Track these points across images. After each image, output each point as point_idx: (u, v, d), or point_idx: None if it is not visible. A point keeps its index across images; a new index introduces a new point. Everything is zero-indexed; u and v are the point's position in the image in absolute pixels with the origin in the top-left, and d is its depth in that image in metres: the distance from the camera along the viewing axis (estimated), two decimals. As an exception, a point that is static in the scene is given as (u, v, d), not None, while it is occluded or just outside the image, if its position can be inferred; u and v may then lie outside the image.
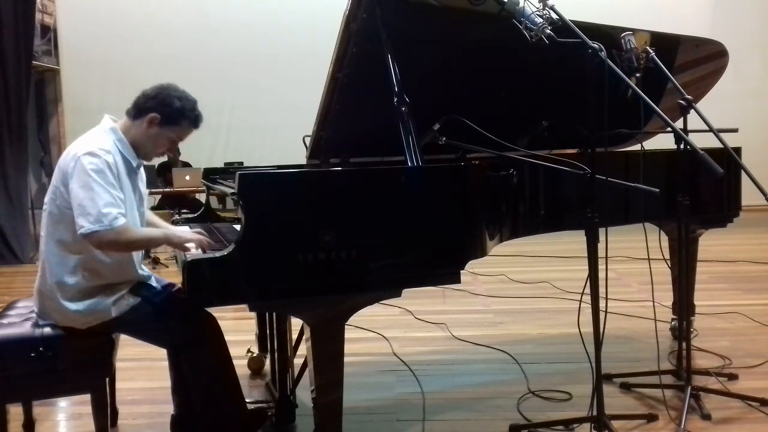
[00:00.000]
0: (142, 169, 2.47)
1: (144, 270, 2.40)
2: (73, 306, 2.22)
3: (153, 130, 2.31)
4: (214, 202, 3.14)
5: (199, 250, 2.21)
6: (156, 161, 8.66)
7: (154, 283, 2.42)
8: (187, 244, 2.25)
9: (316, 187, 2.14)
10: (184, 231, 2.49)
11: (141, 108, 2.32)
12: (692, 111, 2.58)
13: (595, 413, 2.41)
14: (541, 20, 2.19)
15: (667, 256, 3.21)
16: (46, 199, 2.28)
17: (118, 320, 2.26)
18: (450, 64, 2.77)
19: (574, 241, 2.84)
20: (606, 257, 2.33)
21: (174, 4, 9.61)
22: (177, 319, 2.27)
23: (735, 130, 2.79)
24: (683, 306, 2.97)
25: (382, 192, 2.16)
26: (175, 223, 3.05)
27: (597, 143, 2.29)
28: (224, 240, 2.45)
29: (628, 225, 2.96)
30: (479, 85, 2.88)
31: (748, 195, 3.02)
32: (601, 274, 2.34)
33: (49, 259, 2.25)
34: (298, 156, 3.15)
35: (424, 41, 2.59)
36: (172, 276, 2.55)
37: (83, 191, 2.12)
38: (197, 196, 7.88)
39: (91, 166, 2.14)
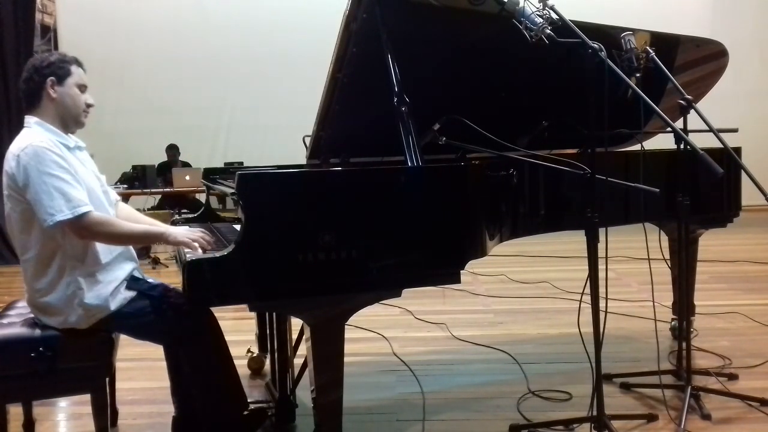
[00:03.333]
0: (87, 155, 2.42)
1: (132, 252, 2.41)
2: (73, 305, 2.21)
3: (59, 92, 2.28)
4: (214, 202, 3.13)
5: (199, 250, 2.20)
6: (156, 161, 8.67)
7: (150, 279, 2.42)
8: (185, 241, 2.21)
9: (316, 187, 2.14)
10: (183, 229, 2.48)
11: (32, 91, 2.29)
12: (692, 111, 2.58)
13: (595, 413, 2.41)
14: (541, 20, 2.19)
15: (667, 256, 3.21)
16: (6, 213, 2.25)
17: (117, 315, 2.25)
18: (450, 64, 2.76)
19: (574, 241, 2.84)
20: (606, 257, 2.33)
21: (174, 4, 9.61)
22: (175, 312, 2.25)
23: (735, 130, 2.79)
24: (683, 306, 2.97)
25: (382, 192, 2.16)
26: (174, 223, 3.05)
27: (597, 143, 2.29)
28: (224, 240, 2.46)
29: (628, 225, 2.96)
30: (479, 85, 2.88)
31: (748, 195, 3.01)
32: (601, 274, 2.34)
33: (32, 272, 2.23)
34: (298, 156, 3.15)
35: (424, 41, 2.59)
36: (172, 276, 2.55)
37: (35, 186, 2.10)
38: (197, 196, 7.88)
39: (33, 159, 2.12)
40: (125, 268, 2.34)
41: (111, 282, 2.26)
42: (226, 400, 2.36)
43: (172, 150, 8.78)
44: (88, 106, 2.37)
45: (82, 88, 2.34)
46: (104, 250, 2.28)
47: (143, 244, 2.52)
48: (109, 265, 2.29)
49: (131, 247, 2.43)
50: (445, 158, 2.65)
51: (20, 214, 2.20)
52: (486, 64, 2.80)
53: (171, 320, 2.27)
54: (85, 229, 2.14)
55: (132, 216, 2.61)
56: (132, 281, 2.34)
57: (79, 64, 2.36)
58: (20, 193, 2.15)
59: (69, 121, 2.32)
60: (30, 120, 2.31)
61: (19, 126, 2.32)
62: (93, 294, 2.22)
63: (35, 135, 2.22)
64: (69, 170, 2.16)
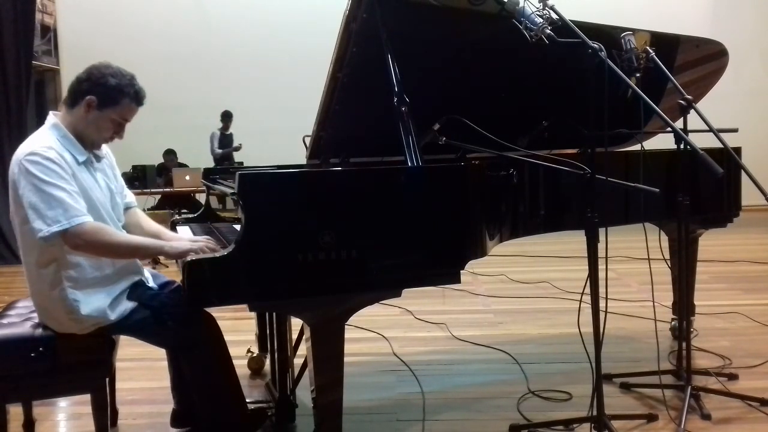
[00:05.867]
0: (107, 162, 2.37)
1: (138, 264, 2.37)
2: (69, 315, 2.18)
3: (92, 114, 2.18)
4: (214, 202, 3.13)
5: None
6: (156, 161, 8.67)
7: (151, 283, 2.41)
8: (185, 251, 2.16)
9: (316, 187, 2.14)
10: (183, 233, 2.46)
11: (75, 93, 2.18)
12: (692, 111, 2.58)
13: (595, 413, 2.41)
14: (541, 20, 2.19)
15: (667, 256, 3.21)
16: (10, 215, 2.19)
17: (117, 324, 2.25)
18: (450, 64, 2.76)
19: (574, 241, 2.84)
20: (606, 257, 2.33)
21: (174, 5, 9.63)
22: (176, 321, 2.24)
23: (735, 130, 2.79)
24: (683, 306, 2.97)
25: (382, 192, 2.16)
26: (174, 223, 3.05)
27: (597, 143, 2.29)
28: (224, 240, 2.46)
29: (628, 225, 2.96)
30: (479, 85, 2.88)
31: (748, 195, 3.02)
32: (601, 274, 2.34)
33: (30, 276, 2.22)
34: (298, 156, 3.15)
35: (424, 41, 2.59)
36: (172, 276, 2.55)
37: (34, 194, 2.03)
38: (197, 196, 7.89)
39: (35, 167, 2.04)
40: (128, 281, 2.31)
41: (110, 294, 2.23)
42: (225, 406, 2.35)
43: (170, 155, 8.79)
44: (109, 140, 2.28)
45: (120, 125, 2.24)
46: (107, 261, 2.23)
47: (140, 258, 2.40)
48: (111, 277, 2.25)
49: (137, 260, 2.37)
50: (445, 158, 2.66)
51: (21, 219, 2.13)
52: (486, 64, 2.80)
53: (172, 330, 2.25)
54: (80, 239, 2.06)
55: (147, 224, 2.52)
56: (133, 289, 2.31)
57: (137, 100, 2.23)
58: (20, 200, 2.09)
59: (86, 140, 2.24)
60: (51, 119, 2.23)
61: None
62: (90, 307, 2.18)
63: (45, 140, 2.14)
64: (69, 181, 2.09)
